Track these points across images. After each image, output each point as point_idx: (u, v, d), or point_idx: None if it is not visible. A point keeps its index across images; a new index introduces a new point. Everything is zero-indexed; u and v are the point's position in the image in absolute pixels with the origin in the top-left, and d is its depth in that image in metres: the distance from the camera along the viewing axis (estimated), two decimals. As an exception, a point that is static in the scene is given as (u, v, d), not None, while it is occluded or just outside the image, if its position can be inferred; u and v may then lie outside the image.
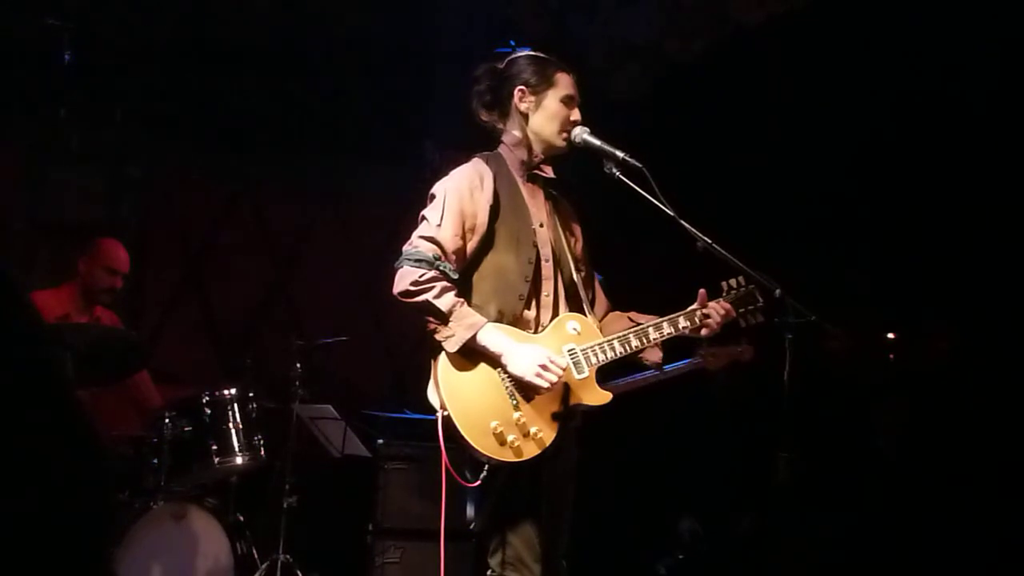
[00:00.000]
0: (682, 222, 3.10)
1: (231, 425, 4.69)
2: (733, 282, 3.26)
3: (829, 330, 3.07)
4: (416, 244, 3.01)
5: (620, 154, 3.13)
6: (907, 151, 5.35)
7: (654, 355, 3.28)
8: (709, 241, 3.10)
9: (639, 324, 3.18)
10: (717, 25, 5.53)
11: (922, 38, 5.08)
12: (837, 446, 5.19)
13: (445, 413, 2.92)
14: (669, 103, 5.86)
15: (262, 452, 4.77)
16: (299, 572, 4.97)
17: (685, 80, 5.76)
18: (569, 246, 3.25)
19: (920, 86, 5.23)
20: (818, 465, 4.58)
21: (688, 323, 3.19)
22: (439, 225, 3.01)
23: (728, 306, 3.22)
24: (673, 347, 3.38)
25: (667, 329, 3.17)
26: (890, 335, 5.64)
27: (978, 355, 5.19)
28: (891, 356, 5.58)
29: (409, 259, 2.97)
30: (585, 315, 3.18)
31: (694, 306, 3.21)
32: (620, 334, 3.13)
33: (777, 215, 5.60)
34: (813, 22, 5.24)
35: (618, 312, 3.35)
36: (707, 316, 3.19)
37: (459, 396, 2.94)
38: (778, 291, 3.06)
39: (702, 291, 3.22)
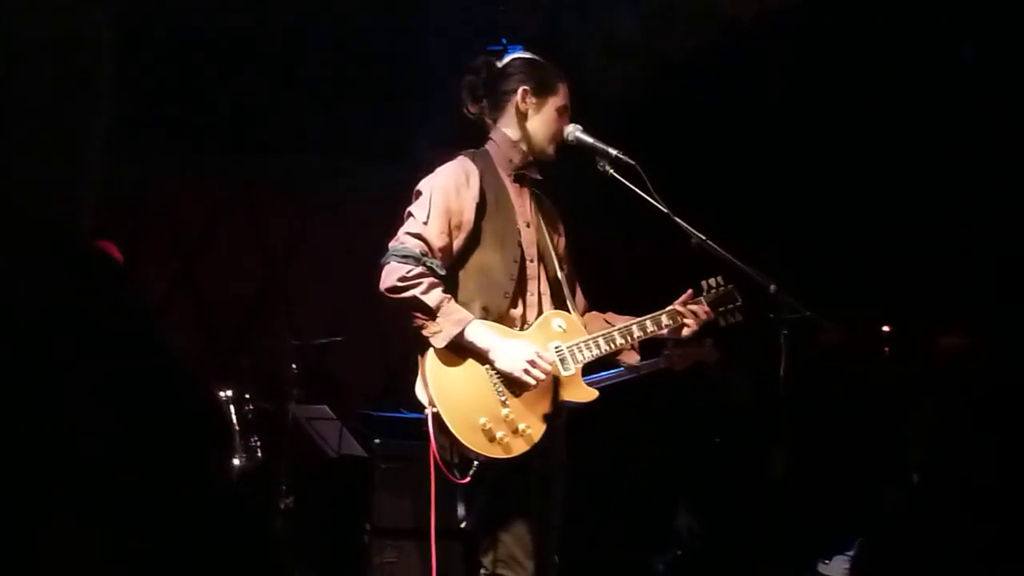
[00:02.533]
0: (676, 219, 3.11)
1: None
2: (712, 281, 3.30)
3: (824, 325, 3.08)
4: (403, 240, 3.01)
5: (613, 151, 3.14)
6: (904, 145, 5.35)
7: (631, 357, 3.30)
8: (703, 238, 3.11)
9: (615, 325, 3.21)
10: (710, 21, 5.52)
11: (920, 31, 5.08)
12: (832, 441, 5.18)
13: (434, 410, 2.93)
14: (663, 100, 5.85)
15: (258, 453, 4.77)
16: (296, 573, 4.96)
17: (679, 77, 5.76)
18: (553, 244, 3.27)
19: (918, 80, 5.23)
20: (813, 460, 4.59)
21: (670, 321, 3.22)
22: (425, 222, 3.02)
23: (707, 307, 3.26)
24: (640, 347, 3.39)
25: (650, 327, 3.21)
26: (885, 328, 5.64)
27: (987, 351, 5.20)
28: (886, 350, 5.59)
29: (396, 255, 2.98)
30: (569, 313, 3.19)
31: (674, 305, 3.25)
32: (605, 332, 3.16)
33: (772, 211, 5.60)
34: (807, 17, 5.23)
35: (595, 312, 3.38)
36: (687, 316, 3.23)
37: (447, 393, 2.95)
38: (772, 287, 3.07)
39: (689, 291, 3.26)
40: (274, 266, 6.81)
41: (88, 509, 0.85)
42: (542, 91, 3.21)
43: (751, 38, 5.39)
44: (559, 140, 3.23)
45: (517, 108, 3.21)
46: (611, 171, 3.15)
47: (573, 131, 3.22)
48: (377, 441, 5.14)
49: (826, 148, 5.54)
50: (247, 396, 4.82)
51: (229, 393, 4.75)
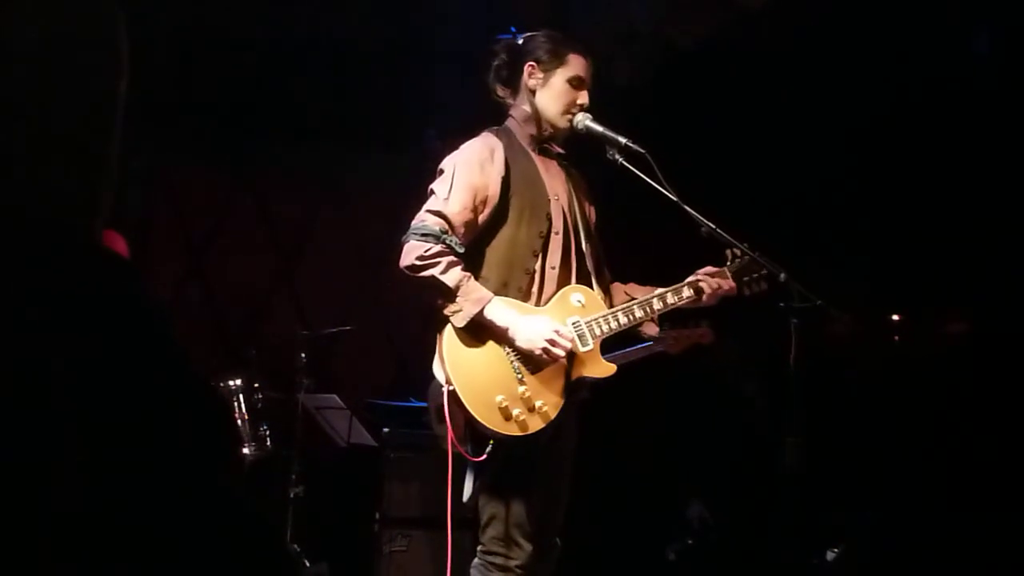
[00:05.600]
0: (686, 207, 3.10)
1: (237, 416, 4.70)
2: (737, 251, 3.25)
3: (834, 314, 3.06)
4: (423, 218, 2.99)
5: (623, 140, 3.12)
6: (915, 133, 5.32)
7: (651, 329, 3.28)
8: (713, 226, 3.09)
9: (635, 297, 3.19)
10: (720, 8, 5.50)
11: (933, 20, 5.05)
12: (844, 430, 5.18)
13: (451, 388, 2.90)
14: (672, 88, 5.83)
15: (268, 442, 4.79)
16: (306, 562, 4.98)
17: (688, 65, 5.73)
18: (583, 216, 3.24)
19: (928, 69, 5.20)
20: (825, 449, 4.58)
21: (691, 292, 3.20)
22: (447, 199, 3.00)
23: (730, 280, 3.24)
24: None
25: (671, 299, 3.19)
26: (895, 317, 5.62)
27: (989, 338, 5.18)
28: (896, 339, 5.57)
29: (416, 233, 2.96)
30: (591, 287, 3.18)
31: (696, 276, 3.23)
32: (624, 305, 3.14)
33: (782, 199, 5.58)
34: (818, 4, 5.20)
35: (617, 284, 3.36)
36: (708, 287, 3.21)
37: (464, 370, 2.93)
38: (783, 275, 3.06)
39: (708, 268, 3.25)
40: (283, 256, 6.82)
41: (88, 503, 0.85)
42: (550, 64, 3.19)
43: (761, 25, 5.36)
44: (574, 112, 3.19)
45: (526, 84, 3.21)
46: (621, 160, 3.13)
47: (583, 120, 3.19)
48: (386, 430, 5.15)
49: (836, 136, 5.51)
50: (256, 386, 4.83)
51: (238, 383, 4.76)
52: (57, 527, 0.84)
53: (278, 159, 6.68)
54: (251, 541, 0.96)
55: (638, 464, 5.79)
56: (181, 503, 0.90)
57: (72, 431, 0.85)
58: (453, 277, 2.92)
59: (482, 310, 2.93)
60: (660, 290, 3.21)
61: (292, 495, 5.03)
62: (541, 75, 3.19)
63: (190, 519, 0.90)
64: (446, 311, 2.94)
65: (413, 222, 3.00)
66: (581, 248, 3.19)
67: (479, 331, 2.97)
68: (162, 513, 0.88)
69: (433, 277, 2.91)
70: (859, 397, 5.38)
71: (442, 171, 3.08)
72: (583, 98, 3.20)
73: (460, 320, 2.93)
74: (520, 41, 3.25)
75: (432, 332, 3.02)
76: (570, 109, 3.19)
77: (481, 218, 3.05)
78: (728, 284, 3.24)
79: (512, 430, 2.91)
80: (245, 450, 4.66)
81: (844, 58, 5.30)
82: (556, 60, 3.19)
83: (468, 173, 3.03)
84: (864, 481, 5.31)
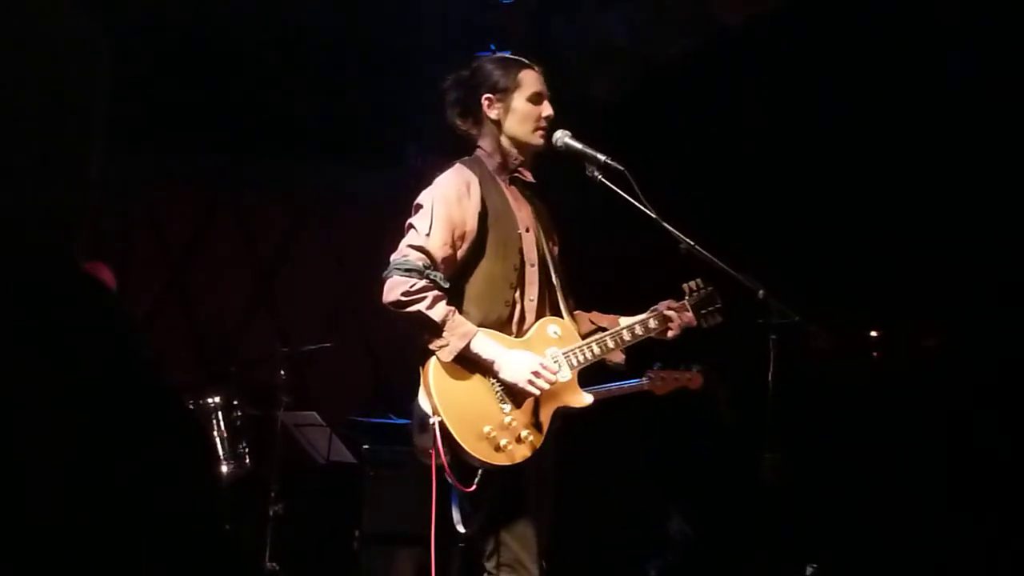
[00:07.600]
0: (664, 224, 3.12)
1: (215, 433, 4.68)
2: (693, 284, 3.34)
3: (812, 330, 3.09)
4: (405, 253, 2.98)
5: (602, 157, 3.14)
6: (890, 150, 5.37)
7: (617, 356, 3.32)
8: (691, 243, 3.11)
9: (602, 326, 3.27)
10: (698, 26, 5.54)
11: (906, 36, 5.10)
12: (822, 446, 5.20)
13: (439, 419, 2.91)
14: (651, 105, 5.86)
15: (247, 460, 4.76)
16: (286, 579, 4.95)
17: (667, 82, 5.77)
18: (549, 249, 3.26)
19: (903, 85, 5.26)
20: (804, 465, 4.59)
21: (656, 324, 3.27)
22: (428, 234, 3.00)
23: (690, 313, 3.30)
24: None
25: (639, 331, 3.24)
26: (873, 333, 5.66)
27: (966, 352, 5.22)
28: (874, 354, 5.61)
29: (399, 269, 2.96)
30: (563, 318, 3.21)
31: (660, 308, 3.29)
32: (597, 337, 3.19)
33: (760, 215, 5.62)
34: (795, 22, 5.25)
35: (580, 312, 3.38)
36: (670, 319, 3.28)
37: (452, 402, 2.95)
38: (761, 292, 3.08)
39: (669, 300, 3.32)
40: (262, 273, 6.79)
41: (60, 520, 0.85)
42: (505, 90, 3.16)
43: (738, 43, 5.40)
44: (543, 126, 3.18)
45: (488, 117, 3.20)
46: (600, 177, 3.14)
47: (562, 137, 3.20)
48: (366, 447, 5.13)
49: (813, 153, 5.55)
50: (235, 403, 4.80)
51: (217, 400, 4.73)
52: (28, 544, 0.83)
53: (259, 174, 6.66)
54: (226, 561, 0.95)
55: (618, 480, 5.79)
56: (155, 521, 0.89)
57: (45, 448, 0.85)
58: (439, 312, 2.93)
59: (468, 344, 2.95)
60: (627, 321, 3.27)
61: (272, 513, 5.00)
62: (500, 104, 3.17)
63: (164, 537, 0.90)
64: (432, 346, 2.95)
65: (394, 257, 3.00)
66: (552, 280, 3.23)
67: (464, 363, 2.99)
68: (136, 531, 0.88)
69: (420, 313, 2.91)
70: (837, 413, 5.40)
71: (420, 206, 3.07)
72: (547, 110, 3.19)
73: (447, 355, 2.94)
74: (467, 73, 3.24)
75: (411, 349, 3.03)
76: (539, 125, 3.18)
77: (460, 253, 3.06)
78: (688, 316, 3.31)
79: (501, 460, 2.94)
80: (224, 468, 4.63)
81: (821, 74, 5.34)
82: (510, 83, 3.17)
83: (447, 208, 3.04)
84: (843, 497, 5.33)
